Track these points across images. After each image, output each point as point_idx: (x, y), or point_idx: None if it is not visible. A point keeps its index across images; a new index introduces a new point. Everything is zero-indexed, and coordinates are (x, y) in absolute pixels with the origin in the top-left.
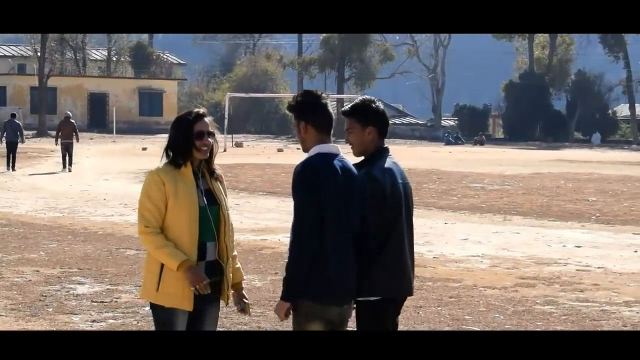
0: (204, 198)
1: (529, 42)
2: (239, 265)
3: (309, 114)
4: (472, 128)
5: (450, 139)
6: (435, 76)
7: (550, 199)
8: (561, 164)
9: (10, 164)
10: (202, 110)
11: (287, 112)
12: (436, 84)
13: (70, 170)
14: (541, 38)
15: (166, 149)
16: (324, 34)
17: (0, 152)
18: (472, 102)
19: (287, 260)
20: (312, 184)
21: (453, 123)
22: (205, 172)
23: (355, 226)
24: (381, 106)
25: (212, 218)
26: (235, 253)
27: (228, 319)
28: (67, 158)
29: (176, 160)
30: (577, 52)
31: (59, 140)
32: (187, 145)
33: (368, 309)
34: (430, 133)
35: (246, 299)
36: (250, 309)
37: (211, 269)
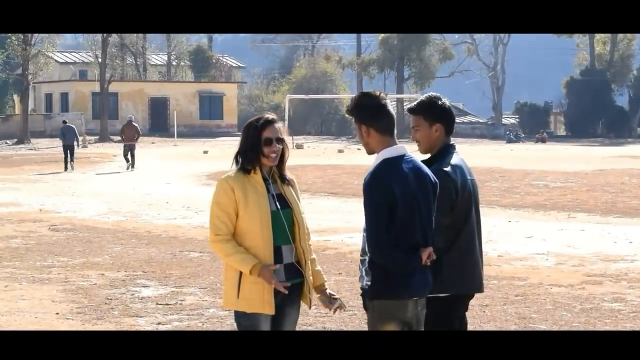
0: (276, 202)
1: (590, 38)
2: (318, 267)
3: (369, 117)
4: (533, 125)
5: (512, 136)
6: (495, 74)
7: (615, 195)
8: (625, 160)
9: (69, 165)
10: (271, 116)
11: (347, 115)
12: (496, 81)
13: (133, 170)
14: (602, 34)
15: (236, 155)
16: (383, 34)
17: (59, 157)
18: (533, 99)
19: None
20: (382, 193)
21: (514, 121)
22: (277, 177)
23: (427, 225)
24: (447, 103)
25: (285, 222)
26: (313, 256)
27: None
28: (129, 157)
29: (245, 167)
30: (638, 48)
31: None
32: (255, 151)
33: (437, 306)
34: (491, 131)
35: (335, 297)
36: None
37: (289, 271)
